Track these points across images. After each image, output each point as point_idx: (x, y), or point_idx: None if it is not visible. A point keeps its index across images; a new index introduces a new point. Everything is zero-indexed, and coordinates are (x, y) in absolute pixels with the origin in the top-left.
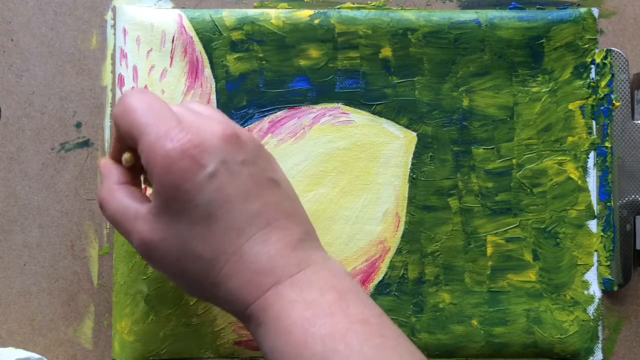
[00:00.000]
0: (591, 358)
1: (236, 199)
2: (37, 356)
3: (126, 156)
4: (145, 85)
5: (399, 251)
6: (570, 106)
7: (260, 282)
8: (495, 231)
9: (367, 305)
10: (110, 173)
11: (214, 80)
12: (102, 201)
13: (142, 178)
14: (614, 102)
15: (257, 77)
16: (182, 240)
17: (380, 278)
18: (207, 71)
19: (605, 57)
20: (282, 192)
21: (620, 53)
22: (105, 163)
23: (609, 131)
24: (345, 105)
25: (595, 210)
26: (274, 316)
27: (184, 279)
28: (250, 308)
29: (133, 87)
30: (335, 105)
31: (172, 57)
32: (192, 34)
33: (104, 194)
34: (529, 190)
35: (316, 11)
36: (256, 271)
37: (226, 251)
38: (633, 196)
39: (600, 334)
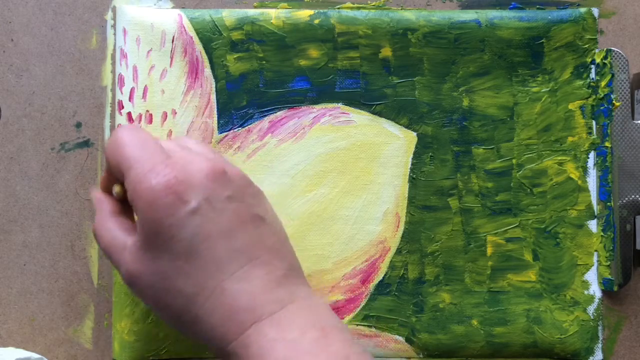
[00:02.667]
0: (591, 358)
1: (218, 236)
2: (37, 356)
3: (116, 189)
4: (145, 86)
5: (399, 251)
6: (570, 106)
7: (241, 320)
8: (495, 231)
9: (348, 343)
10: (102, 205)
11: (214, 80)
12: (95, 232)
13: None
14: (614, 102)
15: (257, 77)
16: (164, 274)
17: (380, 278)
18: (207, 71)
19: (605, 57)
20: (267, 227)
21: (620, 53)
22: (98, 195)
23: (609, 131)
24: (345, 105)
25: (595, 210)
26: (255, 354)
27: (165, 313)
28: (230, 345)
29: (123, 125)
30: (335, 105)
31: (172, 57)
32: (192, 34)
33: (97, 225)
34: (529, 190)
35: (316, 11)
36: (237, 308)
37: (207, 287)
38: (633, 196)
39: (600, 334)
